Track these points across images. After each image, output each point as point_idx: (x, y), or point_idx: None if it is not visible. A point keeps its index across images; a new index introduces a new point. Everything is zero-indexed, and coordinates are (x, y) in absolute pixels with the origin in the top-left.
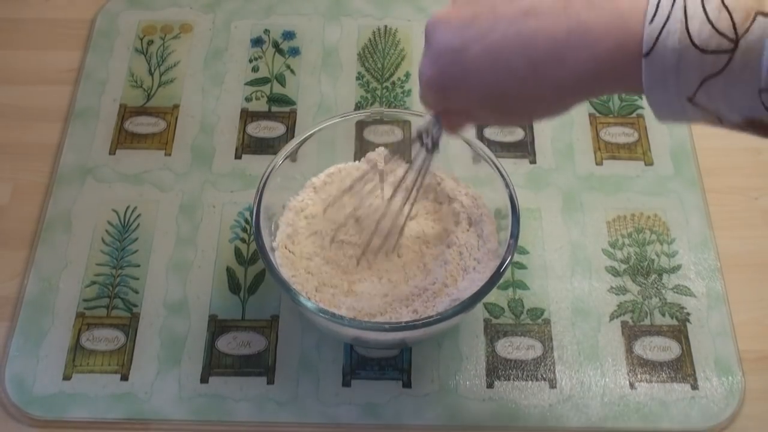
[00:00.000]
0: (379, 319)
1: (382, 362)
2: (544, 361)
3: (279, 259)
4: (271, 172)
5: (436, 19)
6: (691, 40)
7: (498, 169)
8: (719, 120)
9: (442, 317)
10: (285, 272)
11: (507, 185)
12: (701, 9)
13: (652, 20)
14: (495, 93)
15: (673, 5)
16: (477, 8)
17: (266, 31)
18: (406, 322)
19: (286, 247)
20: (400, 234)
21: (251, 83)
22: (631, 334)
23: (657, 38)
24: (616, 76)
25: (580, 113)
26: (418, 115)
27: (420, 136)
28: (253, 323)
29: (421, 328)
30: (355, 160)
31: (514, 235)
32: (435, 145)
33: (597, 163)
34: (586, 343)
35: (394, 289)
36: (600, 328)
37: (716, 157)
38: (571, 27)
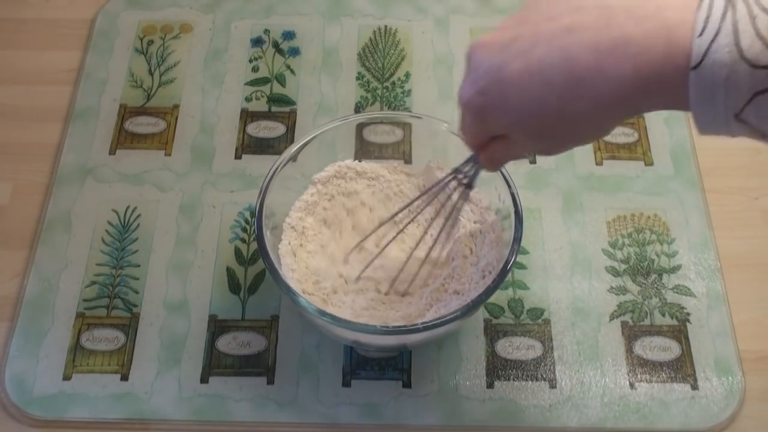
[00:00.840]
0: (429, 314)
1: (382, 362)
2: (544, 361)
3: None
4: (272, 175)
5: (477, 43)
6: (742, 55)
7: (500, 170)
8: (764, 136)
9: (441, 322)
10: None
11: (510, 187)
12: (751, 25)
13: (701, 34)
14: (535, 111)
15: (722, 20)
16: (518, 30)
17: (266, 31)
18: (405, 326)
19: (304, 291)
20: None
21: (251, 83)
22: (631, 334)
23: (706, 52)
24: (659, 88)
25: None
26: (418, 117)
27: (456, 175)
28: (253, 323)
29: (420, 332)
30: (354, 160)
31: (517, 237)
32: (470, 184)
33: (597, 163)
34: (586, 343)
35: (429, 287)
36: (600, 328)
37: (716, 157)
38: (614, 39)
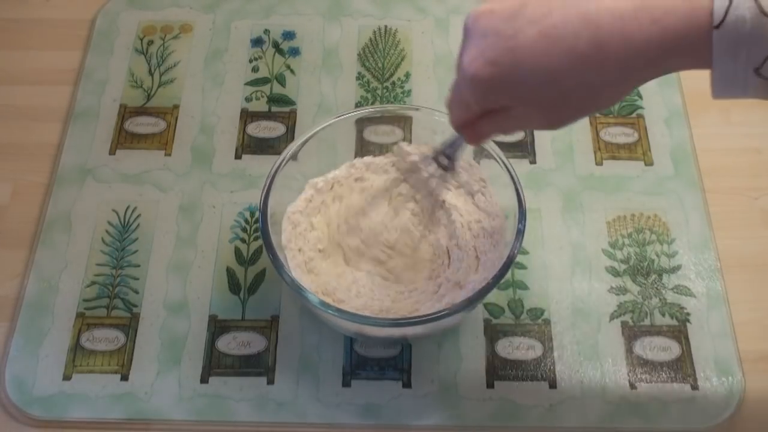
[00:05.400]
0: (434, 306)
1: (382, 362)
2: (544, 361)
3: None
4: (275, 172)
5: (478, 12)
6: (762, 10)
7: (504, 165)
8: None
9: (442, 315)
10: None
11: (513, 181)
12: None
13: None
14: (552, 79)
15: None
16: None
17: (266, 31)
18: (407, 318)
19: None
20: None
21: (251, 83)
22: (631, 334)
23: (727, 10)
24: (683, 50)
25: None
26: (415, 109)
27: (437, 157)
28: (253, 323)
29: (422, 323)
30: (355, 158)
31: (521, 231)
32: (452, 165)
33: (597, 163)
34: (586, 343)
35: (432, 274)
36: (600, 328)
37: (716, 157)
38: (637, 3)
